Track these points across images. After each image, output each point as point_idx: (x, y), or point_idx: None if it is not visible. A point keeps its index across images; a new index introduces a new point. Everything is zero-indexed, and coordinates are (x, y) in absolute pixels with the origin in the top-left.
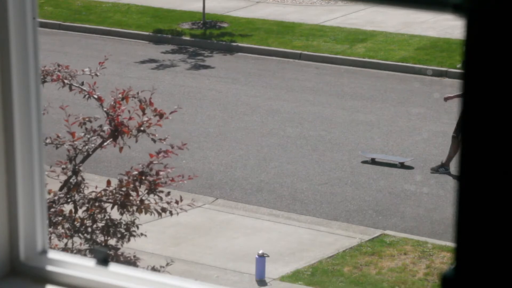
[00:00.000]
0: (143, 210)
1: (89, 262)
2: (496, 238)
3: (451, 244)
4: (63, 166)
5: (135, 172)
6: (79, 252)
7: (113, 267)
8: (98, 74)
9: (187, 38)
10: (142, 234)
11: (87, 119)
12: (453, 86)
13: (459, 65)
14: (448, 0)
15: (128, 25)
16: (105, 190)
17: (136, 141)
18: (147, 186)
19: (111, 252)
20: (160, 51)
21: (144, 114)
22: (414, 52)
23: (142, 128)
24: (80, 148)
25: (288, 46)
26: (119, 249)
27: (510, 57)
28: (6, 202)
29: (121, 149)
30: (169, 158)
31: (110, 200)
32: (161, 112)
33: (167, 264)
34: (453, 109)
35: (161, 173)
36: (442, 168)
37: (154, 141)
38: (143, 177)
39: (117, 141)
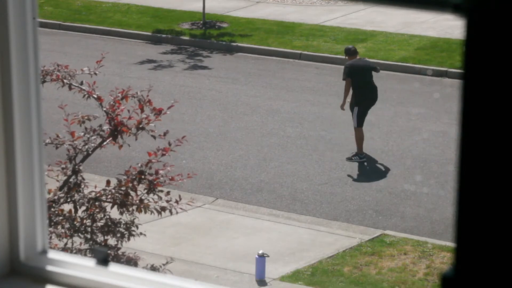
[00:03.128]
0: (143, 209)
1: (89, 262)
2: (496, 238)
3: (451, 244)
4: (63, 166)
5: (134, 172)
6: (79, 252)
7: (113, 267)
8: (96, 73)
9: (187, 38)
10: (141, 233)
11: (86, 117)
12: (453, 86)
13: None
14: (448, 0)
15: (128, 25)
16: (104, 189)
17: (136, 139)
18: (146, 186)
19: (111, 252)
20: (160, 51)
21: (142, 111)
22: (414, 52)
23: (141, 126)
24: (80, 147)
25: (288, 46)
26: (119, 249)
27: (510, 57)
28: (6, 202)
29: (120, 146)
30: (169, 158)
31: (109, 200)
32: (160, 109)
33: (167, 263)
34: (453, 109)
35: (160, 171)
36: (356, 157)
37: (154, 137)
38: (142, 176)
39: (117, 140)
